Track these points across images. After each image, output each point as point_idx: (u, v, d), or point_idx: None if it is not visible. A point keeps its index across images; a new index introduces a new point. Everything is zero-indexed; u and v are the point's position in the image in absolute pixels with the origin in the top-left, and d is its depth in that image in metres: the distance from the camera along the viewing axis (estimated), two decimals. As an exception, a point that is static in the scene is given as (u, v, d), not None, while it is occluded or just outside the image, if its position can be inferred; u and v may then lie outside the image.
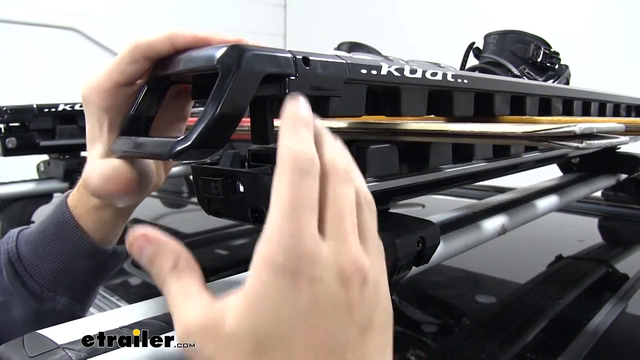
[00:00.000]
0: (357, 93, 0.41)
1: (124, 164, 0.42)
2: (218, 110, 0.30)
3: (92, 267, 0.48)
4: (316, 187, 0.27)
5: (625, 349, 0.64)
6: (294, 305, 0.25)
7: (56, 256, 0.46)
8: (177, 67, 0.36)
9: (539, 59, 0.77)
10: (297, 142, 0.27)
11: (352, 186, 0.29)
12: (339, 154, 0.29)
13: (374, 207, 0.30)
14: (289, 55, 0.34)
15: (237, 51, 0.32)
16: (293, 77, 0.34)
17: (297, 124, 0.27)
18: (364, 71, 0.40)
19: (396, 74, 0.43)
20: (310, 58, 0.35)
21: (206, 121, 0.31)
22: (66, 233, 0.46)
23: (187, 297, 0.27)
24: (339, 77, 0.38)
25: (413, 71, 0.44)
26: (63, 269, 0.46)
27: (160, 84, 0.40)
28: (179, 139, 0.31)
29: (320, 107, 0.39)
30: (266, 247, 0.25)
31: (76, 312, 0.49)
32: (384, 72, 0.41)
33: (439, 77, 0.47)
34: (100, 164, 0.41)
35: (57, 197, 1.13)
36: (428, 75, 0.46)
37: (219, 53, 0.32)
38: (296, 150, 0.27)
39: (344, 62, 0.38)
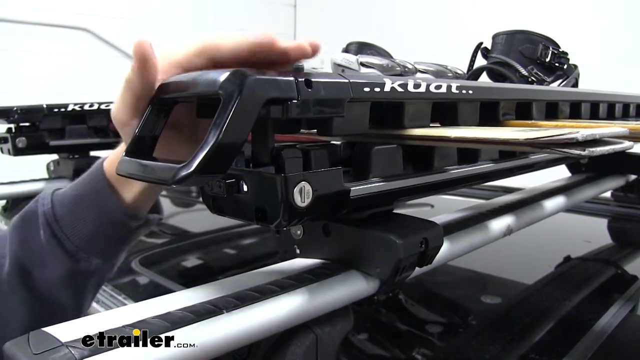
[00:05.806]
0: (361, 111, 0.41)
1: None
2: (220, 137, 0.30)
3: (125, 233, 0.51)
4: None
5: (633, 350, 0.63)
6: None
7: (92, 221, 0.49)
8: (182, 90, 0.36)
9: (548, 59, 0.76)
10: None
11: None
12: None
13: None
14: (292, 78, 0.34)
15: (238, 77, 0.31)
16: (295, 101, 0.34)
17: None
18: (367, 89, 0.39)
19: (399, 89, 0.42)
20: (313, 80, 0.35)
21: (208, 148, 0.30)
22: (103, 202, 0.48)
23: None
24: (342, 97, 0.37)
25: (417, 85, 0.44)
26: (97, 233, 0.49)
27: (165, 104, 0.40)
28: (182, 165, 0.31)
29: (323, 127, 0.39)
30: None
31: (106, 272, 0.53)
32: (387, 88, 0.41)
33: (443, 89, 0.46)
34: None
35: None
36: (432, 88, 0.45)
37: (221, 78, 0.32)
38: None
39: (347, 81, 0.38)
